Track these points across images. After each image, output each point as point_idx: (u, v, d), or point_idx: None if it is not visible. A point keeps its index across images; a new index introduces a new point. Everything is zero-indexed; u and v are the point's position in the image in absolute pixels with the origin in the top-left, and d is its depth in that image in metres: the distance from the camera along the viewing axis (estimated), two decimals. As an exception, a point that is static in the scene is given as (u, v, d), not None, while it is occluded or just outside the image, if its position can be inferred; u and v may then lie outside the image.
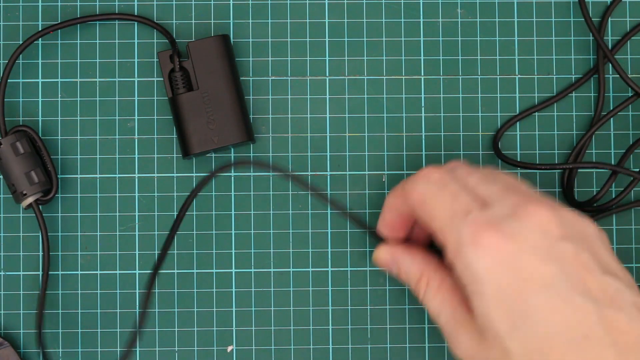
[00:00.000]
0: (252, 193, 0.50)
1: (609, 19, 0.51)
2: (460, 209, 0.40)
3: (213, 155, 0.50)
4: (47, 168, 0.48)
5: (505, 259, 0.38)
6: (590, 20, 0.49)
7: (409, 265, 0.44)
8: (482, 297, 0.38)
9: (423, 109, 0.50)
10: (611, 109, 0.50)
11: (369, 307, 0.49)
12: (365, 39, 0.50)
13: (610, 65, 0.50)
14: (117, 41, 0.50)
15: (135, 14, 0.50)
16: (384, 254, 0.45)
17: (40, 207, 0.48)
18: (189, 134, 0.47)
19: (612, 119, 0.50)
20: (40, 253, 0.49)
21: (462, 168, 0.42)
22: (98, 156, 0.49)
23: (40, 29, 0.49)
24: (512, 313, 0.38)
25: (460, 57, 0.50)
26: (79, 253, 0.49)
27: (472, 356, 0.41)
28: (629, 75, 0.50)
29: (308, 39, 0.50)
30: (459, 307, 0.41)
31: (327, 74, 0.50)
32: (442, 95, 0.50)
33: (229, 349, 0.49)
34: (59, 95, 0.50)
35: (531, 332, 0.38)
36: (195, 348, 0.49)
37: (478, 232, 0.38)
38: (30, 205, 0.47)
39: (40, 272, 0.49)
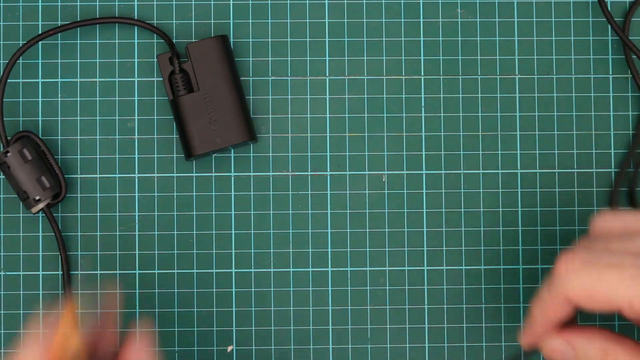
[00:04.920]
0: (252, 193, 0.50)
1: (631, 19, 0.50)
2: (634, 271, 0.36)
3: (213, 155, 0.50)
4: (53, 171, 0.48)
5: None
6: (612, 19, 0.49)
7: (586, 346, 0.39)
8: None
9: (423, 109, 0.50)
10: None
11: (369, 307, 0.49)
12: (365, 39, 0.50)
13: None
14: (117, 41, 0.50)
15: (135, 14, 0.50)
16: (558, 345, 0.40)
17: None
18: (191, 136, 0.47)
19: None
20: (41, 253, 0.49)
21: (599, 234, 0.39)
22: (98, 156, 0.49)
23: (40, 29, 0.49)
24: None
25: (460, 57, 0.50)
26: (79, 253, 0.49)
27: None
28: None
29: (308, 39, 0.50)
30: None
31: (327, 74, 0.50)
32: (442, 95, 0.50)
33: (229, 349, 0.49)
34: (59, 96, 0.50)
35: None
36: (195, 348, 0.49)
37: None
38: (40, 210, 0.47)
39: (41, 272, 0.49)
